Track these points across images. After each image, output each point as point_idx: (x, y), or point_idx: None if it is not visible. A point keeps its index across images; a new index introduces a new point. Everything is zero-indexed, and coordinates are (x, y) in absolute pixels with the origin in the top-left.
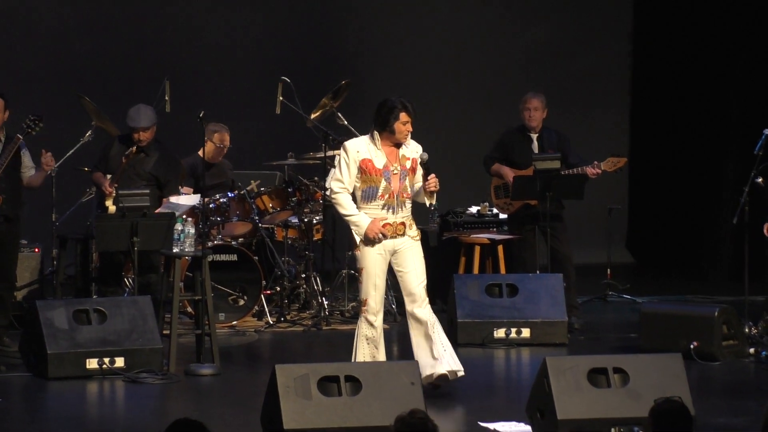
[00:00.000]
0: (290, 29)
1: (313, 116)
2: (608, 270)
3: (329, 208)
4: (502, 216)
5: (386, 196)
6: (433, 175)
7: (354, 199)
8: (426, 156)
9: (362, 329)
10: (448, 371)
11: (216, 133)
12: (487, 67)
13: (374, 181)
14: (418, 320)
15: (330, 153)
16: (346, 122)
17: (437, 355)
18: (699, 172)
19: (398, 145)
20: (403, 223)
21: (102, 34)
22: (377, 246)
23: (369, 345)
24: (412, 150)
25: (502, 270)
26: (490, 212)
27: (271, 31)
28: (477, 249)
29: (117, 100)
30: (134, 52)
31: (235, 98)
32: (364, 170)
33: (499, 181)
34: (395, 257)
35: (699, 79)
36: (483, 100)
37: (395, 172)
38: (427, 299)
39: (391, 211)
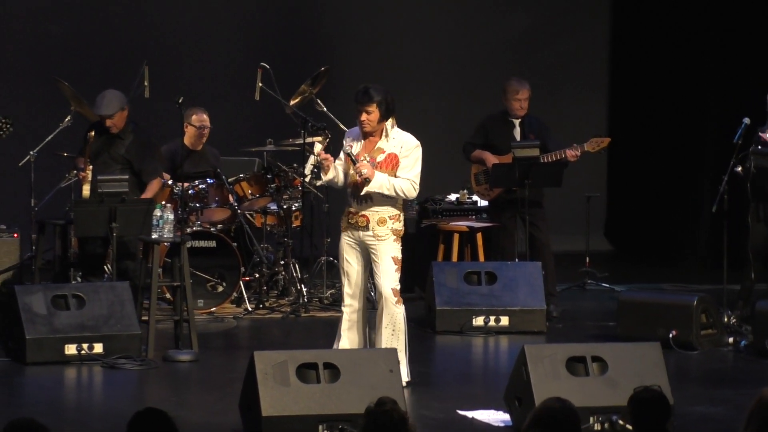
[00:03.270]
0: (269, 15)
1: (292, 103)
2: (587, 258)
3: (308, 195)
4: (482, 203)
5: (352, 184)
6: (357, 165)
7: None
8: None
9: (341, 320)
10: None
11: (194, 114)
12: (466, 53)
13: (348, 168)
14: (379, 317)
15: (309, 139)
16: (325, 108)
17: None
18: (678, 160)
19: (382, 135)
20: (365, 216)
21: (79, 18)
22: (344, 234)
23: (344, 337)
24: (395, 144)
25: (481, 258)
26: (469, 200)
27: (250, 17)
28: (456, 236)
29: (95, 84)
30: (113, 36)
31: (215, 84)
32: (345, 158)
33: (479, 167)
34: (370, 252)
35: (678, 67)
36: (462, 86)
37: (364, 162)
38: (395, 300)
39: (355, 201)
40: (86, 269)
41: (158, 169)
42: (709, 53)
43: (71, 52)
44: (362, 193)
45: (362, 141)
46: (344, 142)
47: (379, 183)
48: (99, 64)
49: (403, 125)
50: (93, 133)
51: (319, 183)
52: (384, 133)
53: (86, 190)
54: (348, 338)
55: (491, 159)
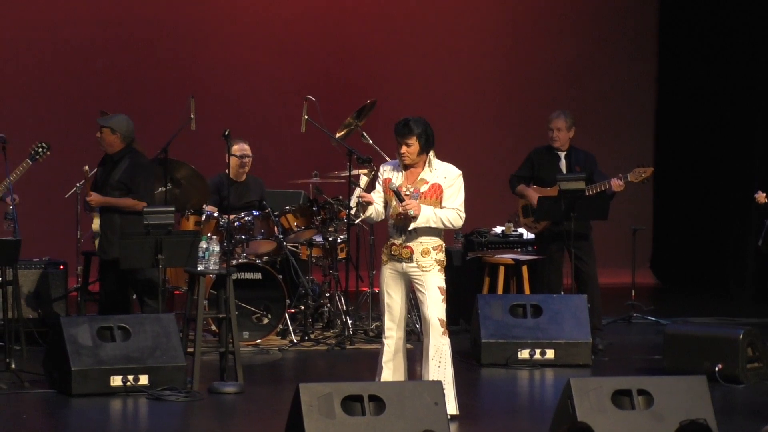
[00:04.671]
0: (315, 47)
1: (337, 135)
2: (632, 291)
3: (353, 227)
4: (527, 236)
5: (395, 216)
6: (403, 204)
7: None
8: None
9: (381, 351)
10: None
11: (235, 145)
12: (512, 84)
13: (388, 201)
14: (426, 348)
15: (355, 172)
16: (371, 141)
17: None
18: (724, 194)
19: (424, 166)
20: (409, 248)
21: (125, 52)
22: (386, 267)
23: (385, 368)
24: (439, 174)
25: (527, 290)
26: (514, 232)
27: (296, 50)
28: (501, 269)
29: (142, 117)
30: (159, 69)
31: (260, 117)
32: (384, 189)
33: (526, 200)
34: (414, 285)
35: (725, 100)
36: (508, 119)
37: (407, 193)
38: (441, 330)
39: (400, 233)
40: (105, 308)
41: (146, 193)
42: (756, 85)
43: (117, 85)
44: (410, 229)
45: (403, 172)
46: (380, 174)
47: (426, 217)
48: (145, 97)
49: (448, 157)
50: (86, 167)
51: (357, 221)
52: (427, 164)
53: (95, 224)
54: (389, 369)
55: (533, 197)
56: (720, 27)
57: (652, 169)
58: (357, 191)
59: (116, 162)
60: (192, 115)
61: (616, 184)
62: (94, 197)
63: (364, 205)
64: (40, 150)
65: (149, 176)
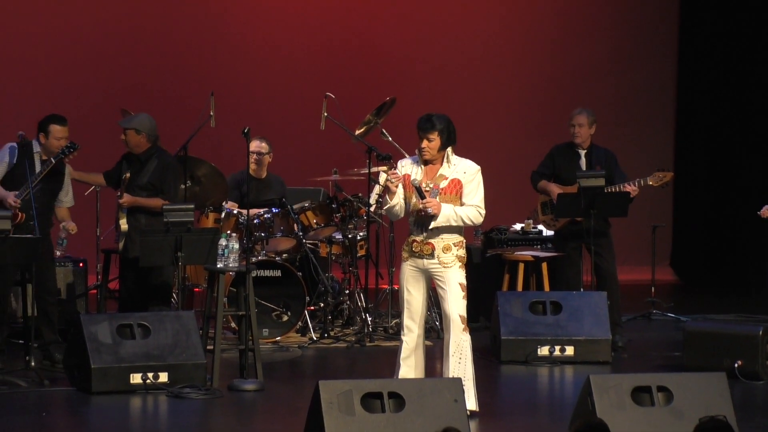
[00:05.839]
0: (335, 44)
1: (357, 132)
2: (652, 288)
3: (373, 224)
4: (547, 233)
5: (415, 212)
6: (423, 202)
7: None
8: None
9: (400, 348)
10: None
11: (252, 142)
12: (532, 84)
13: (409, 197)
14: (447, 345)
15: (374, 169)
16: (390, 138)
17: None
18: (744, 190)
19: (443, 162)
20: (430, 244)
21: (146, 51)
22: (406, 263)
23: (403, 365)
24: (458, 170)
25: (546, 287)
26: (534, 229)
27: (316, 47)
28: (521, 266)
29: (162, 115)
30: (179, 67)
31: (280, 114)
32: (404, 185)
33: (546, 197)
34: (435, 281)
35: (745, 96)
36: (528, 117)
37: (427, 189)
38: (462, 326)
39: (420, 230)
40: (125, 305)
41: (175, 194)
42: None
43: (137, 83)
44: (430, 228)
45: (422, 167)
46: (400, 168)
47: (446, 216)
48: (165, 94)
49: (468, 154)
50: (128, 175)
51: (382, 209)
52: (446, 160)
53: (123, 224)
54: (408, 367)
55: (556, 191)
56: (740, 27)
57: (672, 173)
58: (377, 188)
59: (144, 162)
60: (212, 113)
61: (631, 189)
62: (126, 198)
63: (392, 189)
64: (67, 151)
65: (178, 177)
